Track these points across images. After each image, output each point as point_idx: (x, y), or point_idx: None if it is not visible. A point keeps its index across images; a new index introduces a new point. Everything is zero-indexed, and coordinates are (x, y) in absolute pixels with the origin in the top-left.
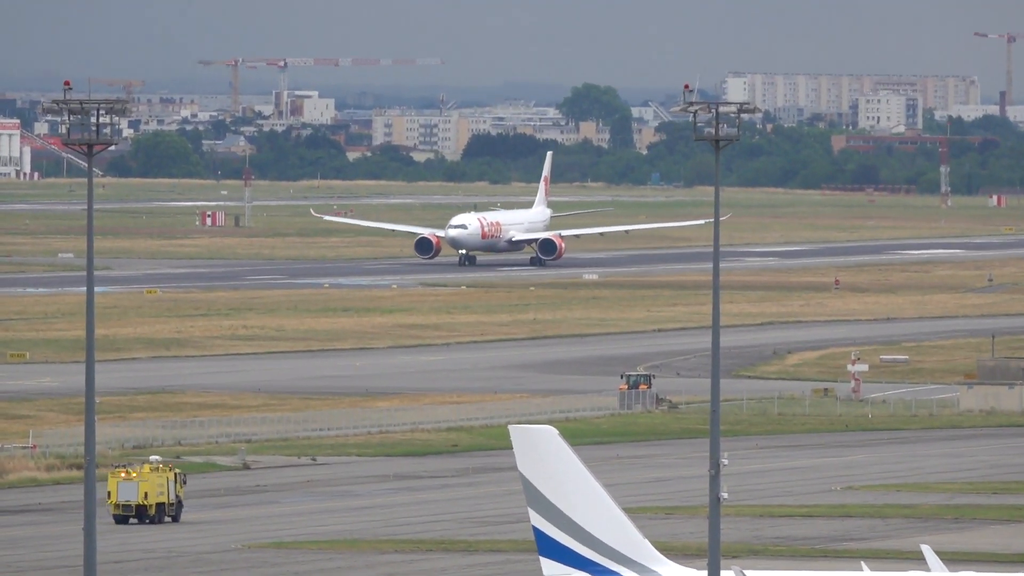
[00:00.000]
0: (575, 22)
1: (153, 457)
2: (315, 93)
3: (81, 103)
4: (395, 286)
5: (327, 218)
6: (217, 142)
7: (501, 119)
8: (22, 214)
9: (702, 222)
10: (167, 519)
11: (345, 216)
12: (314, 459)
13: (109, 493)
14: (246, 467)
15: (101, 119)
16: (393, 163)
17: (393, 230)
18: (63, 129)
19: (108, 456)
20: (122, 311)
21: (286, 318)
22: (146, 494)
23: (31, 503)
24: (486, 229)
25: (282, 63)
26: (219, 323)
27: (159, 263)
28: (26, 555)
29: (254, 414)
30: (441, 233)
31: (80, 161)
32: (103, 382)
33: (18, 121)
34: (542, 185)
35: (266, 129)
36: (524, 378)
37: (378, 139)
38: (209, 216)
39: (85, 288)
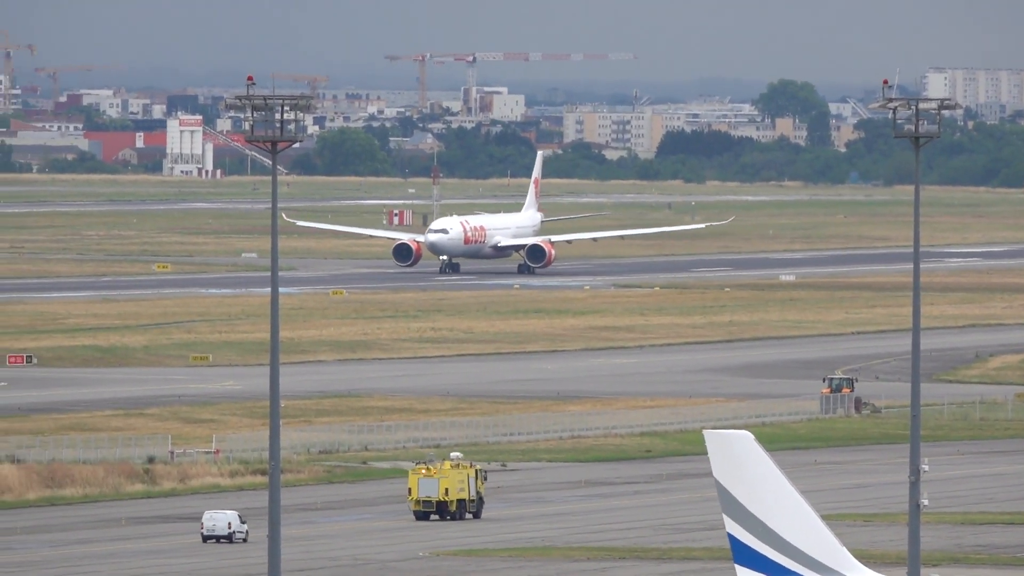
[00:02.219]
0: (771, 17)
1: (454, 454)
2: (505, 89)
3: (265, 99)
4: (587, 287)
5: (300, 224)
6: (404, 139)
7: (695, 116)
8: (204, 213)
9: (703, 225)
10: (468, 515)
11: (324, 222)
12: (504, 465)
13: (410, 490)
14: None
15: (285, 115)
16: (585, 161)
17: (371, 235)
18: (246, 126)
19: (293, 462)
20: (307, 312)
21: (475, 320)
22: (446, 490)
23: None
24: (469, 234)
25: (471, 58)
26: (407, 325)
27: (345, 263)
28: (207, 563)
29: (442, 418)
30: (422, 238)
31: (264, 158)
32: (288, 385)
33: (200, 118)
34: (532, 188)
35: (454, 126)
36: (719, 381)
37: (569, 136)
38: (396, 215)
39: (269, 289)
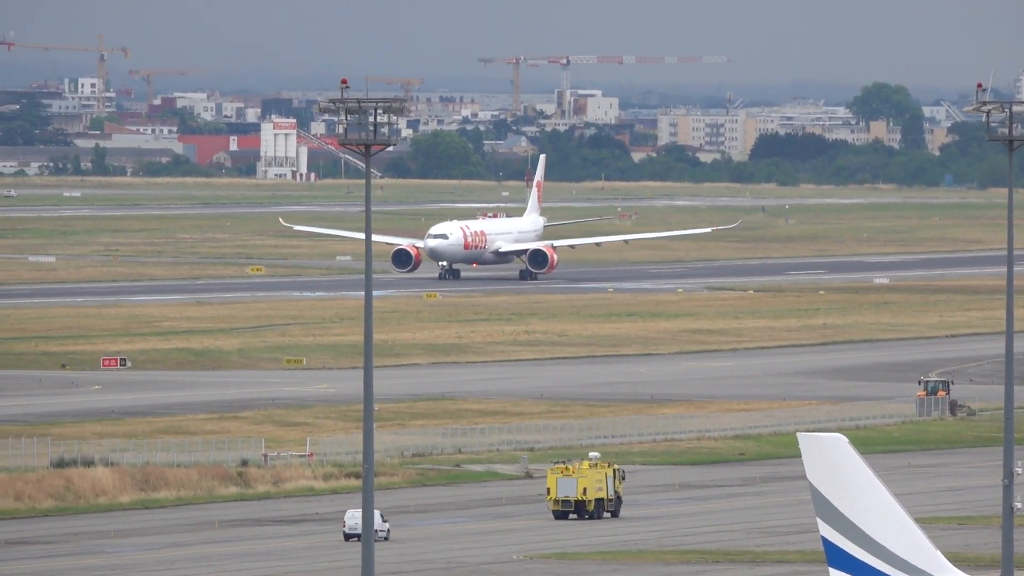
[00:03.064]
0: (865, 20)
1: (592, 454)
2: (599, 92)
3: (358, 102)
4: (681, 290)
5: (297, 228)
6: (498, 142)
7: (789, 118)
8: (298, 216)
9: (710, 229)
10: (606, 515)
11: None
12: None
13: (548, 489)
14: (528, 476)
15: (379, 118)
16: (679, 164)
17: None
18: (340, 129)
19: (387, 465)
20: (401, 316)
21: (569, 323)
22: (585, 490)
23: (308, 513)
24: (469, 239)
25: (564, 61)
26: (500, 328)
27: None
28: (302, 566)
29: (536, 421)
30: (421, 244)
31: (358, 162)
32: (381, 389)
33: (294, 121)
34: (534, 191)
35: (548, 129)
36: (813, 384)
37: (663, 139)
38: (491, 218)
39: (363, 292)
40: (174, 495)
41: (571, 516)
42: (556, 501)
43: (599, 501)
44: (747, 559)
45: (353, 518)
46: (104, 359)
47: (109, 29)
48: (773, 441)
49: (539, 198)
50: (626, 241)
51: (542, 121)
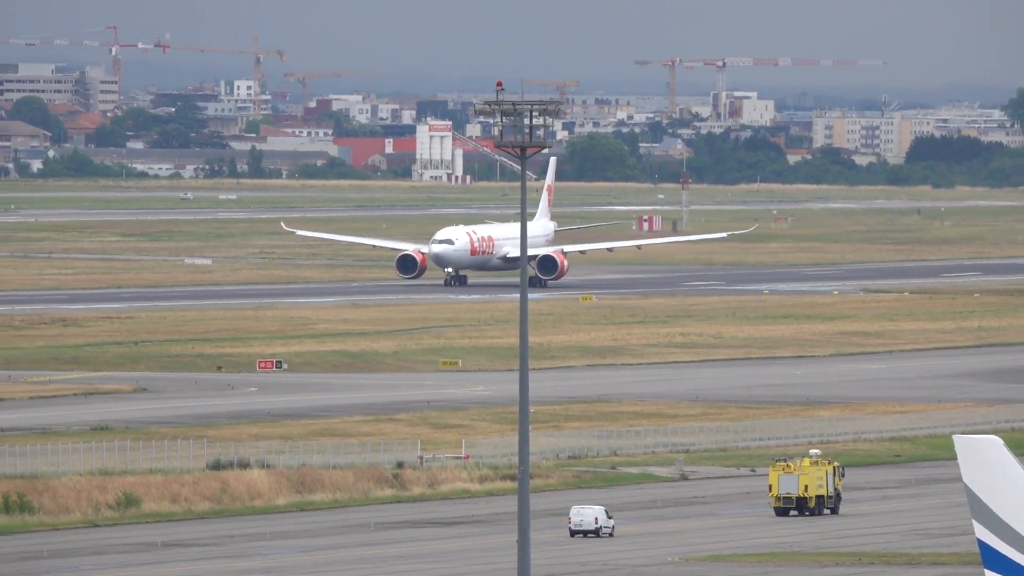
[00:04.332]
0: (1021, 22)
1: (813, 451)
2: (754, 94)
3: (514, 104)
4: (836, 292)
5: (300, 233)
6: (654, 144)
7: (944, 121)
8: (454, 219)
9: (725, 235)
10: (826, 511)
11: (326, 233)
12: (753, 470)
13: (770, 486)
14: (684, 478)
15: (534, 121)
16: (834, 166)
17: (374, 245)
18: (496, 131)
19: (542, 467)
20: (557, 318)
21: (724, 325)
22: (806, 487)
23: (464, 515)
24: (476, 245)
25: (720, 63)
26: (656, 330)
27: (594, 269)
28: (457, 568)
29: (691, 423)
30: (426, 249)
31: (513, 164)
32: (537, 391)
33: (450, 123)
34: (545, 195)
35: (704, 131)
36: (969, 387)
37: (818, 141)
38: (646, 220)
39: (519, 295)
40: (330, 497)
41: (792, 513)
42: (778, 498)
43: (819, 498)
44: (902, 561)
45: (579, 515)
46: (260, 361)
47: (265, 31)
48: (929, 443)
49: (550, 202)
50: (639, 247)
51: (697, 123)
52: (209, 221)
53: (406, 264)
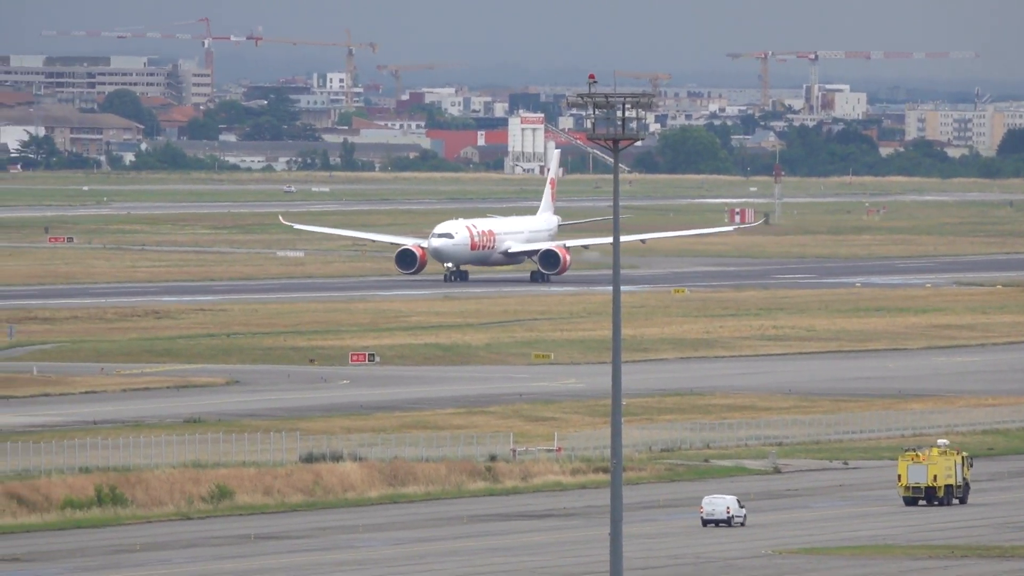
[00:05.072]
0: None
1: (941, 441)
2: (846, 87)
3: (607, 97)
4: (929, 285)
5: (297, 227)
6: (746, 137)
7: None
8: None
9: (732, 228)
10: (955, 501)
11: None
12: (846, 463)
13: (899, 476)
14: (777, 471)
15: (627, 113)
16: (927, 159)
17: (373, 240)
18: (588, 123)
19: (635, 460)
20: (649, 311)
21: (817, 318)
22: (935, 476)
23: (556, 507)
24: (476, 239)
25: (812, 56)
26: (748, 323)
27: (686, 261)
28: (550, 561)
29: (784, 416)
30: (426, 244)
31: (605, 156)
32: (629, 383)
33: (542, 116)
34: (548, 189)
35: (796, 124)
36: None
37: (911, 134)
38: (738, 213)
39: (611, 287)
40: (422, 490)
41: (920, 502)
42: (907, 487)
43: (948, 487)
44: (995, 554)
45: (711, 504)
46: (353, 354)
47: (357, 24)
48: (1022, 436)
49: (553, 196)
50: (643, 241)
51: (790, 116)
52: (302, 214)
53: (405, 259)
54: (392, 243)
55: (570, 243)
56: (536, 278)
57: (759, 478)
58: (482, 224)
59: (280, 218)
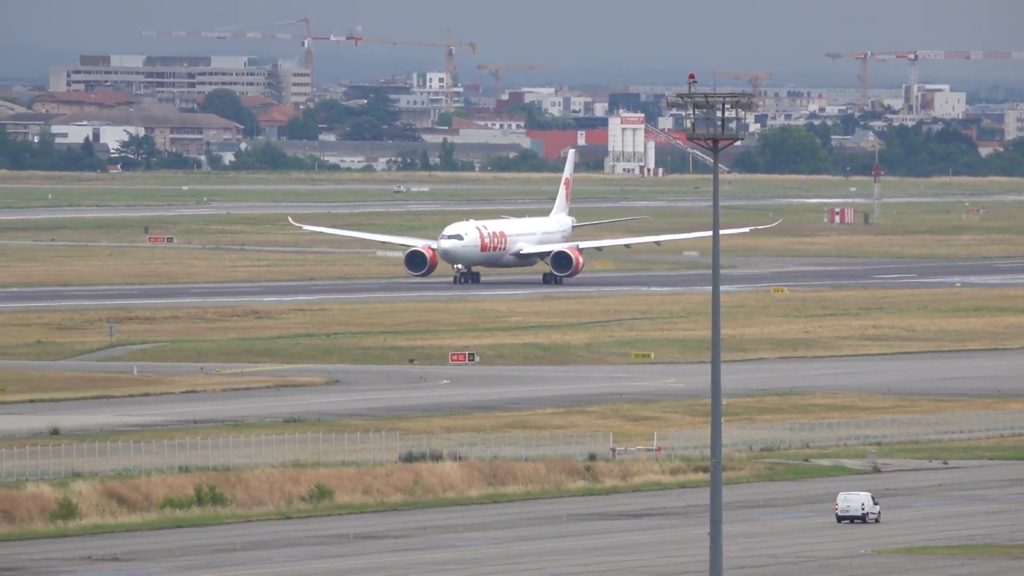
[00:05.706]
0: None
1: None
2: (946, 86)
3: (706, 97)
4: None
5: (307, 228)
6: (846, 137)
7: None
8: (644, 211)
9: (748, 230)
10: None
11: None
12: (945, 463)
13: None
14: (876, 470)
15: (727, 113)
16: None
17: (384, 242)
18: (688, 123)
19: (735, 459)
20: (748, 311)
21: (916, 318)
22: None
23: (655, 507)
24: (487, 240)
25: (912, 56)
26: (848, 323)
27: (786, 261)
28: (649, 560)
29: (884, 416)
30: (436, 245)
31: (705, 156)
32: (729, 383)
33: (642, 115)
34: (562, 189)
35: (895, 124)
36: None
37: (1010, 134)
38: (837, 213)
39: (711, 287)
40: (522, 489)
41: None
42: None
43: None
44: None
45: (846, 500)
46: (453, 354)
47: (457, 23)
48: None
49: (567, 196)
50: (658, 243)
51: (889, 116)
52: (402, 214)
53: (415, 261)
54: (402, 244)
55: (583, 244)
56: (548, 280)
57: (858, 477)
58: (493, 225)
59: (289, 219)
